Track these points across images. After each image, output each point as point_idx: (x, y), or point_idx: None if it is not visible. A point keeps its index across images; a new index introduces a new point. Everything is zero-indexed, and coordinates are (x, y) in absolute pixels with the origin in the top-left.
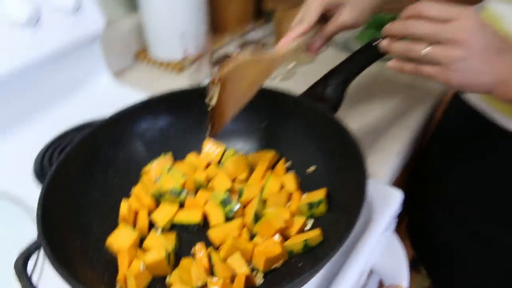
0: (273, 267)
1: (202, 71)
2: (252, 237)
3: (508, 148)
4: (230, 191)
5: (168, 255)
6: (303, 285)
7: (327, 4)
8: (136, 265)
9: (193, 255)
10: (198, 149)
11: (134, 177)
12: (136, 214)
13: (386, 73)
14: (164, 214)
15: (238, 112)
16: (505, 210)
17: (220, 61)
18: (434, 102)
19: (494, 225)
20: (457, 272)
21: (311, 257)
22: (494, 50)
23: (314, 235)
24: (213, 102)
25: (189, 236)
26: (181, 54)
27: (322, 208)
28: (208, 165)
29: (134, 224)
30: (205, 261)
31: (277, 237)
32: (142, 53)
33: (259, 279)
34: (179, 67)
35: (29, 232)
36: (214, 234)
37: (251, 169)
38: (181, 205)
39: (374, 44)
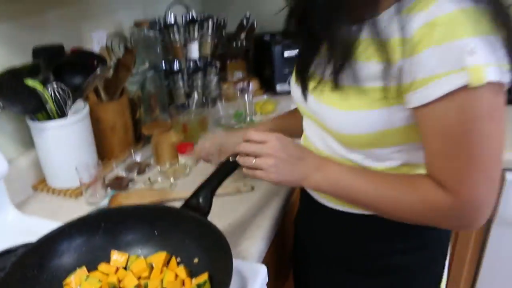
0: None
1: (97, 193)
2: None
3: (326, 215)
4: (138, 286)
5: None
6: None
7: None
8: None
9: None
10: (107, 259)
11: None
12: None
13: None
14: None
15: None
16: (350, 256)
17: (112, 183)
18: (287, 193)
19: (355, 275)
20: None
21: None
22: (295, 158)
23: None
24: None
25: None
26: (77, 182)
27: (207, 286)
28: (117, 270)
29: None
30: None
31: None
32: (40, 184)
33: None
34: (76, 193)
35: None
36: None
37: (151, 267)
38: None
39: (231, 160)
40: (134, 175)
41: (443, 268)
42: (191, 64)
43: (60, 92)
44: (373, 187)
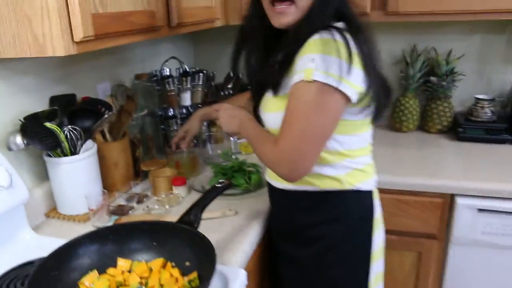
0: None
1: (103, 218)
2: None
3: (273, 194)
4: (140, 283)
5: None
6: None
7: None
8: None
9: None
10: (114, 265)
11: None
12: None
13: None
14: None
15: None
16: (286, 228)
17: (115, 210)
18: (265, 217)
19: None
20: None
21: None
22: (231, 117)
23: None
24: None
25: None
26: (85, 209)
27: (196, 282)
28: (122, 273)
29: None
30: None
31: None
32: (52, 212)
33: None
34: (84, 218)
35: None
36: None
37: (151, 270)
38: None
39: (217, 185)
40: (134, 203)
41: (367, 240)
42: (184, 110)
43: (73, 133)
44: (252, 137)
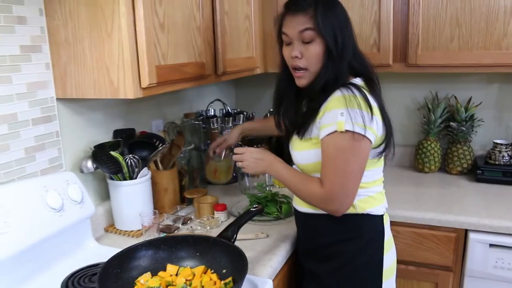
0: None
1: (153, 235)
2: None
3: (299, 217)
4: (185, 283)
5: None
6: None
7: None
8: None
9: None
10: (164, 269)
11: (131, 286)
12: None
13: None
14: None
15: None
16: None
17: (163, 229)
18: (293, 239)
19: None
20: None
21: None
22: (258, 159)
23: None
24: None
25: None
26: (139, 226)
27: (231, 284)
28: (171, 275)
29: None
30: None
31: None
32: (110, 227)
33: None
34: (137, 234)
35: None
36: None
37: (194, 275)
38: None
39: (252, 209)
40: (180, 224)
41: (378, 257)
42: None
43: (133, 161)
44: (291, 178)
